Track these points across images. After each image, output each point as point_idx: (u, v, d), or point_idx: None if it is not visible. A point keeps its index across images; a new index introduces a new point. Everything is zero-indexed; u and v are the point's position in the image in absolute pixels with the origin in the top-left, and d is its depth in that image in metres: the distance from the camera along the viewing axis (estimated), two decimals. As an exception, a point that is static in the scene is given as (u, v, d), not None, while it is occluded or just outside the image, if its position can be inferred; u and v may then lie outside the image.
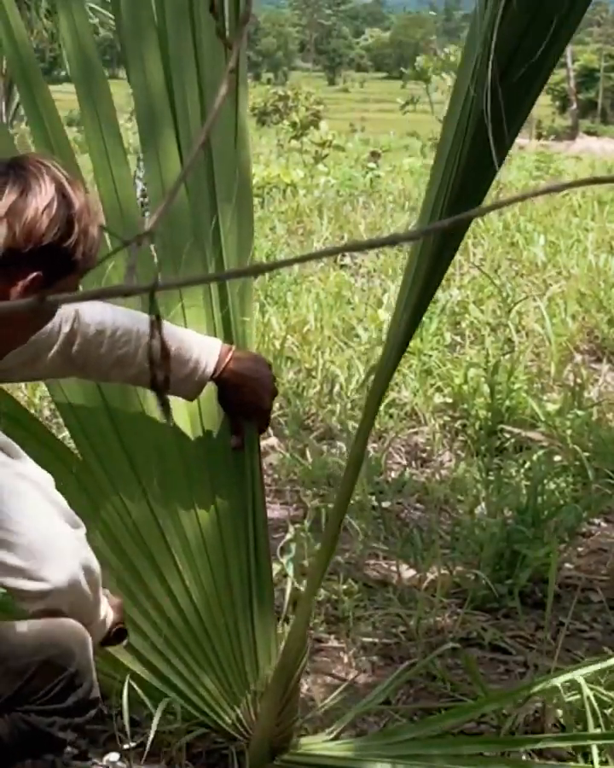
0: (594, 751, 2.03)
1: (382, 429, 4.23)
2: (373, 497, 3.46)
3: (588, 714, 2.11)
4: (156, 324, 0.56)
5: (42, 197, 1.47)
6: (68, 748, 1.67)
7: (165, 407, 0.59)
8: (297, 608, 2.12)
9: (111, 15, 15.00)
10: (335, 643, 2.63)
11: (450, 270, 7.25)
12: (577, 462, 3.65)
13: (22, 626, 1.60)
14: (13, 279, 1.49)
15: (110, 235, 1.92)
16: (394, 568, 2.96)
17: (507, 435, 4.06)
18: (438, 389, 4.62)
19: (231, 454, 2.04)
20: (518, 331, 5.44)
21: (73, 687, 1.59)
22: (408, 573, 2.99)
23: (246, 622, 2.06)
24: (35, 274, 1.48)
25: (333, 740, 2.13)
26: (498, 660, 2.64)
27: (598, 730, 2.11)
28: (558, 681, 2.18)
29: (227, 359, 1.89)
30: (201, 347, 1.87)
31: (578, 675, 2.19)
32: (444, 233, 1.67)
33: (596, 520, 3.49)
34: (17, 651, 1.57)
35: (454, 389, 4.51)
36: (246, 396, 1.92)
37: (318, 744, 2.11)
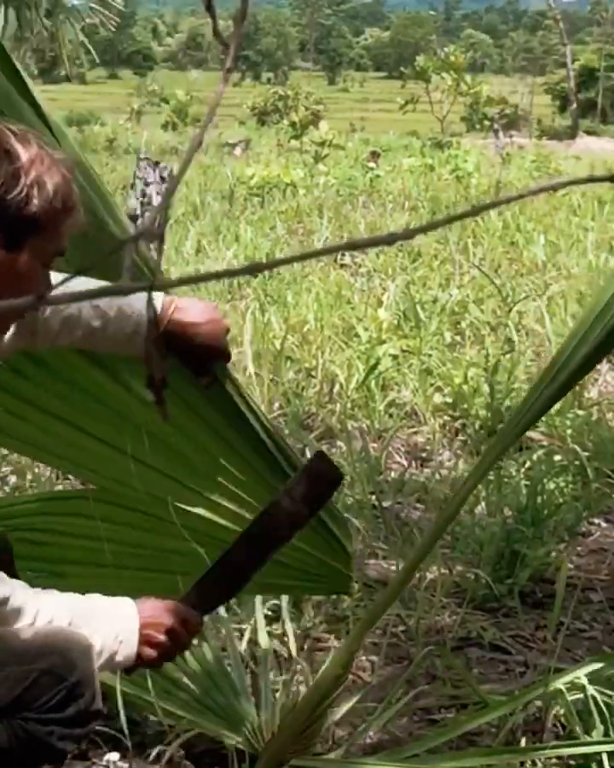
0: (604, 758, 2.03)
1: (382, 429, 4.23)
2: (373, 497, 3.46)
3: (595, 714, 2.11)
4: (153, 324, 0.56)
5: None
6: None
7: (161, 404, 0.59)
8: (349, 635, 2.09)
9: (112, 15, 15.04)
10: (335, 643, 2.63)
11: (450, 268, 7.27)
12: (577, 462, 3.65)
13: (26, 632, 1.60)
14: None
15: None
16: (394, 568, 2.96)
17: (507, 435, 4.06)
18: (438, 389, 4.61)
19: (209, 397, 1.95)
20: (518, 331, 5.44)
21: (74, 697, 1.58)
22: (407, 572, 2.99)
23: None
24: None
25: (343, 749, 2.13)
26: (498, 659, 2.64)
27: (602, 729, 2.11)
28: (561, 682, 2.18)
29: (171, 309, 1.78)
30: (143, 302, 1.75)
31: (581, 674, 2.19)
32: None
33: (596, 520, 3.49)
34: (19, 657, 1.56)
35: (454, 389, 4.51)
36: (202, 341, 1.81)
37: (329, 757, 2.11)
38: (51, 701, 1.57)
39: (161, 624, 1.65)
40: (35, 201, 1.44)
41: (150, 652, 1.65)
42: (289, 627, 2.53)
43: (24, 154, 1.44)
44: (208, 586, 1.75)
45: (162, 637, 1.65)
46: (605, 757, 2.03)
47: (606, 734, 2.13)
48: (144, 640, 1.64)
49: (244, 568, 1.76)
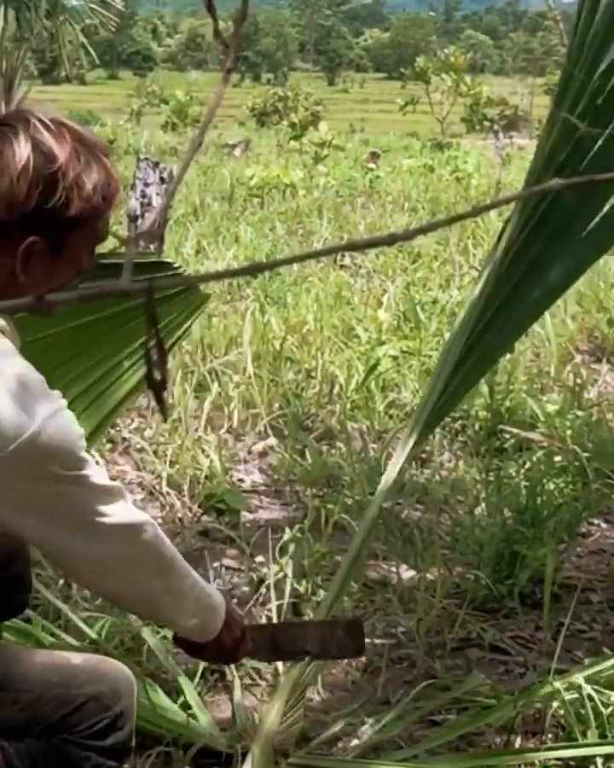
0: (599, 761, 2.03)
1: (382, 430, 4.23)
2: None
3: (591, 716, 2.11)
4: (153, 324, 0.56)
5: (16, 162, 1.39)
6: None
7: (162, 405, 0.59)
8: (316, 613, 2.11)
9: (112, 15, 15.05)
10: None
11: (450, 270, 7.27)
12: (577, 463, 3.65)
13: (77, 658, 1.62)
14: (13, 248, 1.44)
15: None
16: (394, 569, 2.96)
17: (507, 436, 4.06)
18: (438, 389, 4.61)
19: None
20: (517, 331, 5.43)
21: (115, 728, 1.59)
22: (407, 573, 2.98)
23: None
24: (31, 239, 1.41)
25: (343, 750, 2.13)
26: (498, 660, 2.63)
27: (598, 730, 2.11)
28: (560, 683, 2.18)
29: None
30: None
31: (580, 676, 2.19)
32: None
33: (596, 521, 3.49)
34: (69, 681, 1.57)
35: (454, 389, 4.51)
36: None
37: (328, 758, 2.11)
38: (93, 727, 1.57)
39: (238, 623, 1.65)
40: (75, 203, 1.41)
41: (227, 638, 1.62)
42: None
43: (60, 153, 1.40)
44: (265, 636, 1.84)
45: (238, 632, 1.64)
46: (599, 760, 2.03)
47: (603, 735, 2.13)
48: (225, 625, 1.61)
49: (279, 648, 1.88)
